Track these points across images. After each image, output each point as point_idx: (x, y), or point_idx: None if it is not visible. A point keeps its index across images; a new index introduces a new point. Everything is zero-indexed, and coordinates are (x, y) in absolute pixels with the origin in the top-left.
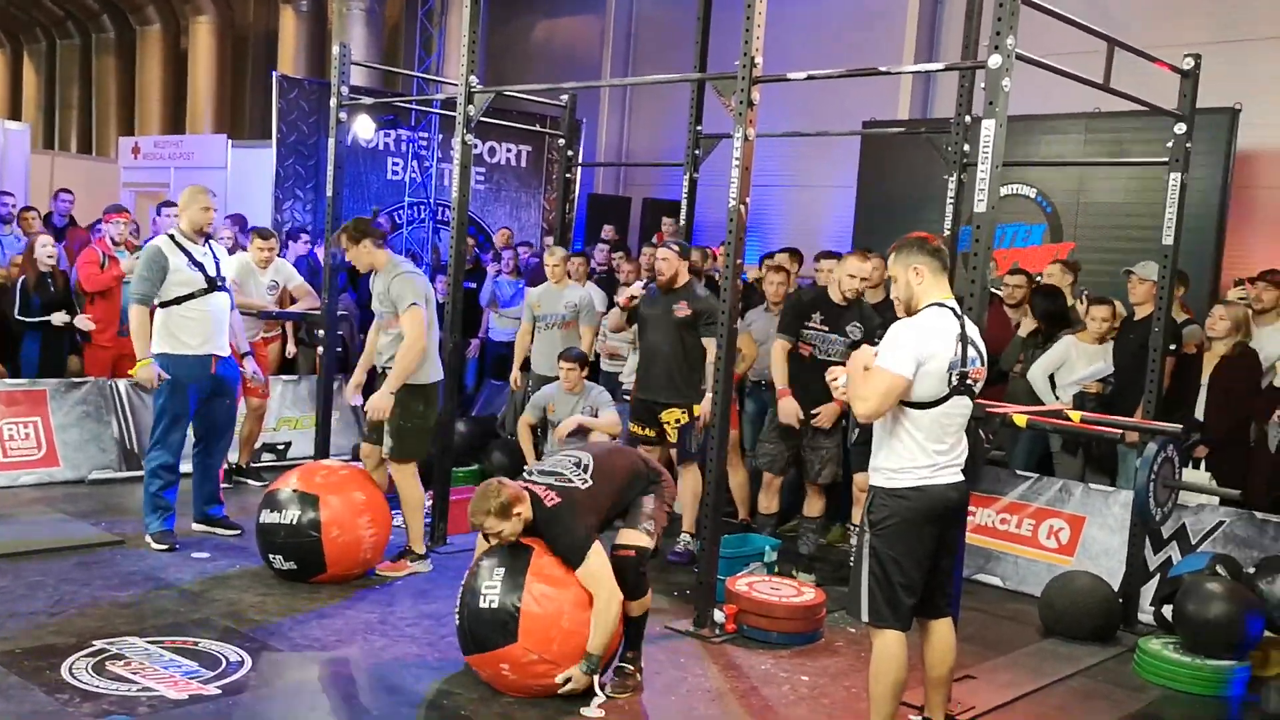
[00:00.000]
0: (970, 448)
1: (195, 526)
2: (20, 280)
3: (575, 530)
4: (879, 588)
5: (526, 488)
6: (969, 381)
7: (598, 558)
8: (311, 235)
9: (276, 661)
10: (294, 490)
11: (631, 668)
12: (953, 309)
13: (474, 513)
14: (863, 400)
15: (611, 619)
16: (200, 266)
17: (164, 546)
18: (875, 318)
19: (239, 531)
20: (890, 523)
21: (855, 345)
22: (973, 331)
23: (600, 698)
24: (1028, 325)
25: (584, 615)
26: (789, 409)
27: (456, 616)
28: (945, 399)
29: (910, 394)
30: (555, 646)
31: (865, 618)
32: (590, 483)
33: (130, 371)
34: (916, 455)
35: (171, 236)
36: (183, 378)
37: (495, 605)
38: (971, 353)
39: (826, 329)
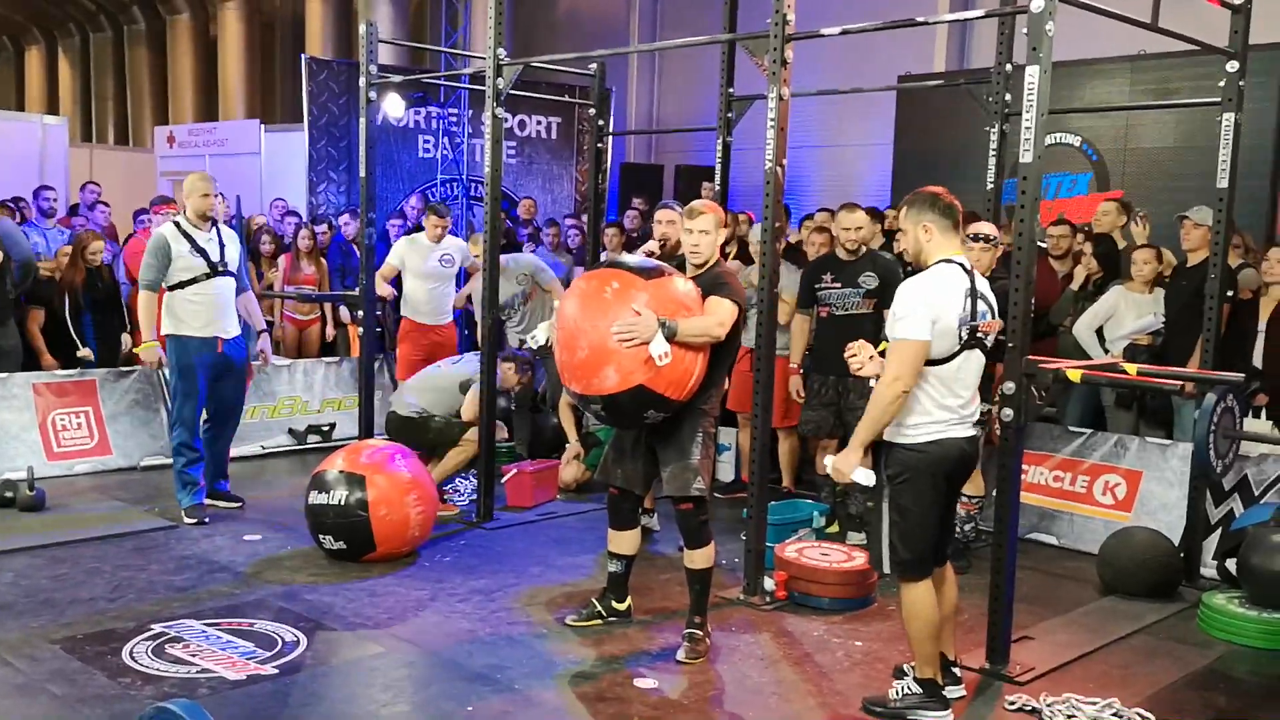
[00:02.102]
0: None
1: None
2: (67, 282)
3: (732, 285)
4: (900, 540)
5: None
6: (980, 335)
7: (729, 308)
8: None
9: (331, 640)
10: (340, 471)
11: (701, 633)
12: (961, 264)
13: (701, 208)
14: (898, 380)
15: (704, 331)
16: (203, 253)
17: (194, 520)
18: (893, 265)
19: (240, 504)
20: (905, 476)
21: (871, 294)
22: (983, 285)
23: (664, 347)
24: (1079, 277)
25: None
26: (794, 385)
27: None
28: (957, 354)
29: (929, 352)
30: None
31: (888, 569)
32: None
33: (135, 350)
34: (931, 410)
35: (177, 224)
36: (190, 358)
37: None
38: (981, 306)
39: (839, 285)
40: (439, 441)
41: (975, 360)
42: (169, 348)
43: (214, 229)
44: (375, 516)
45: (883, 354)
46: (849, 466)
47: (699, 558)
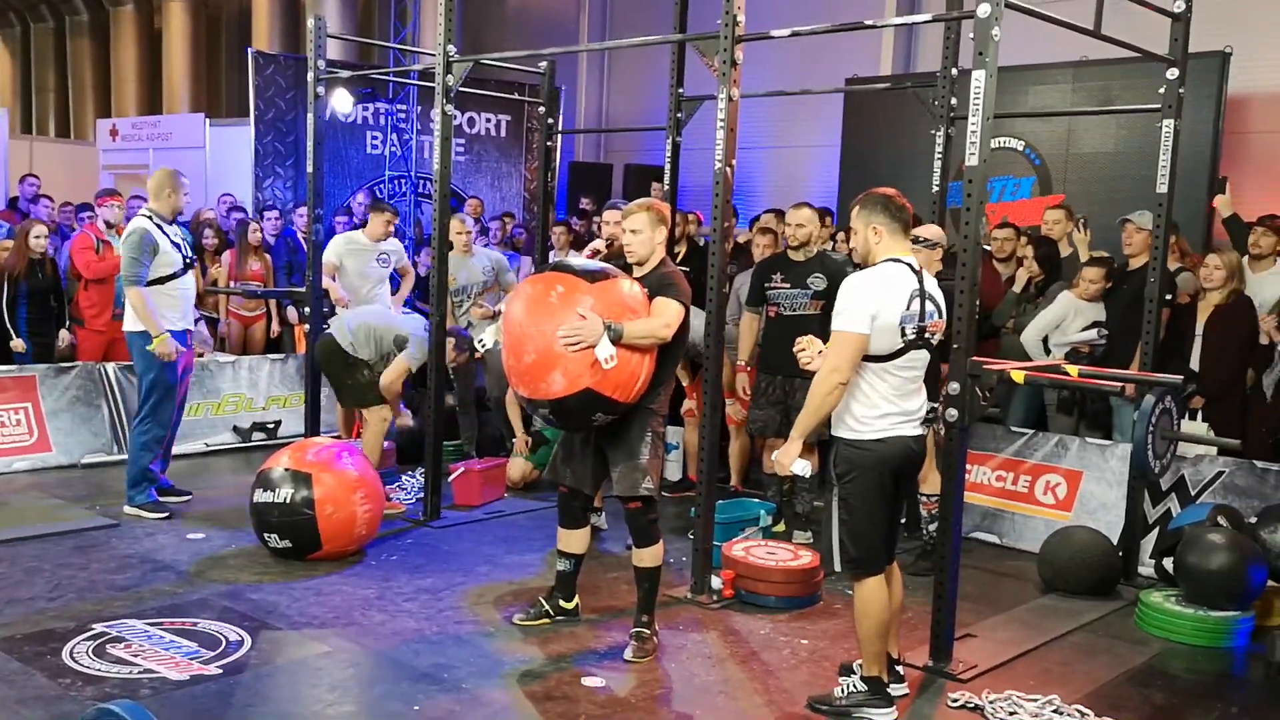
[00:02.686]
0: (964, 403)
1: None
2: (8, 268)
3: (678, 286)
4: (849, 537)
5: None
6: (926, 335)
7: (675, 309)
8: (283, 212)
9: (276, 640)
10: (286, 469)
11: (649, 631)
12: (909, 264)
13: (634, 207)
14: (835, 371)
15: (650, 332)
16: (178, 247)
17: (164, 515)
18: (842, 267)
19: (188, 497)
20: (853, 474)
21: (818, 295)
22: (931, 285)
23: (610, 350)
24: (1021, 280)
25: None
26: (741, 381)
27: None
28: (901, 352)
29: (868, 347)
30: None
31: (838, 568)
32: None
33: (150, 347)
34: (879, 405)
35: (149, 218)
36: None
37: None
38: (929, 307)
39: (788, 285)
40: (351, 390)
41: (922, 360)
42: (149, 343)
43: (174, 225)
44: (321, 515)
45: None
46: (789, 458)
47: (647, 556)
